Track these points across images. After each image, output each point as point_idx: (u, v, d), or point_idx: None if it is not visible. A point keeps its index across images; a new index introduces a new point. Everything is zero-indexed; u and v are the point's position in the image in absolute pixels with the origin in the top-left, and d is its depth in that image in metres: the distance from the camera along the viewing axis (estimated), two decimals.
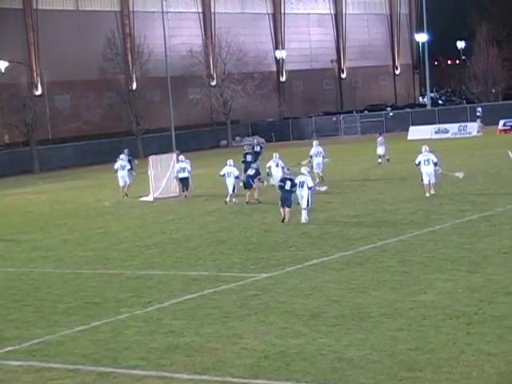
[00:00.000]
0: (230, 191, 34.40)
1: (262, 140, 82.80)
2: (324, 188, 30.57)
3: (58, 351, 14.78)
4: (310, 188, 27.58)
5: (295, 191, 27.45)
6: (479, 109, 74.22)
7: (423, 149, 32.52)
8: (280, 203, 27.76)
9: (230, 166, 34.93)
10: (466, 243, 21.67)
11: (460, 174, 32.74)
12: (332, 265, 20.35)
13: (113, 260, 23.87)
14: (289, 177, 28.13)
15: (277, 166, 35.72)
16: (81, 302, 18.55)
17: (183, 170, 38.03)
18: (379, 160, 46.14)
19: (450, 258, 19.94)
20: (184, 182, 38.19)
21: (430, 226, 24.66)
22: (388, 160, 46.07)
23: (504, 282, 17.07)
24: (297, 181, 27.60)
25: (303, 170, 28.77)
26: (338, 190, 33.68)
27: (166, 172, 39.06)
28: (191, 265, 22.06)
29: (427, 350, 13.10)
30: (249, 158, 39.98)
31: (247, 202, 33.51)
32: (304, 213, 27.54)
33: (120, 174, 41.26)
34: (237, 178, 34.53)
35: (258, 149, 44.34)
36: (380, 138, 47.49)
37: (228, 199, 34.34)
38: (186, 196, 37.87)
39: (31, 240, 29.22)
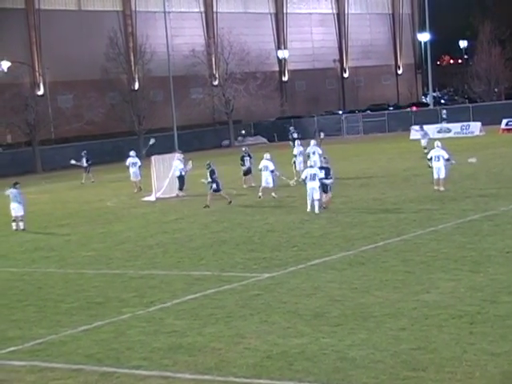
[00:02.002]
0: (264, 184, 34.85)
1: (264, 140, 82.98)
2: (330, 181, 30.86)
3: (60, 351, 14.79)
4: (320, 179, 29.44)
5: (331, 178, 29.77)
6: (444, 111, 75.31)
7: (435, 144, 33.68)
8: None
9: (266, 159, 35.46)
10: (469, 243, 21.65)
11: (473, 159, 33.41)
12: (334, 264, 20.34)
13: (115, 260, 23.88)
14: (325, 166, 30.24)
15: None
16: (83, 302, 18.56)
17: (175, 168, 38.54)
18: (425, 151, 45.63)
19: (452, 258, 19.92)
20: (178, 180, 38.52)
21: (433, 226, 24.64)
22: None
23: (507, 282, 17.05)
24: (308, 174, 29.77)
25: (313, 162, 31.17)
26: (340, 189, 33.65)
27: (168, 172, 39.13)
28: (194, 265, 22.06)
29: (430, 350, 13.09)
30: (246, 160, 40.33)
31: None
32: (309, 202, 29.43)
33: (132, 170, 44.09)
34: (272, 171, 34.95)
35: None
36: (423, 132, 49.68)
37: (261, 193, 34.76)
38: (177, 195, 38.09)
39: (34, 240, 29.24)
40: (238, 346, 14.14)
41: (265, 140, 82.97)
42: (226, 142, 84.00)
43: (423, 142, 48.73)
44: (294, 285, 18.48)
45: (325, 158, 31.65)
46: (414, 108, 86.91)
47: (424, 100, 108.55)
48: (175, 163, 38.80)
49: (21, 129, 70.26)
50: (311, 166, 30.58)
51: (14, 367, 14.09)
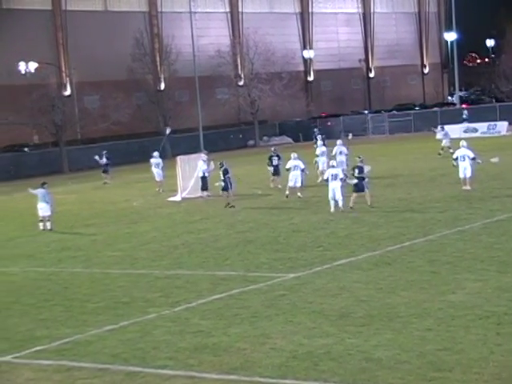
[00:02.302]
0: (292, 184, 34.94)
1: (290, 140, 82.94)
2: (355, 181, 30.92)
3: (86, 351, 14.86)
4: (341, 179, 29.89)
5: (365, 177, 30.18)
6: (465, 111, 75.09)
7: (461, 144, 33.71)
8: (352, 189, 30.18)
9: (294, 159, 35.59)
10: (496, 243, 21.51)
11: (495, 159, 33.28)
12: (360, 265, 20.29)
13: (141, 260, 23.96)
14: (360, 164, 30.38)
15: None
16: (109, 302, 18.63)
17: (201, 169, 38.72)
18: (450, 151, 45.36)
19: (479, 258, 19.80)
20: (202, 181, 38.56)
21: (459, 226, 24.51)
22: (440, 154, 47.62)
23: None
24: (329, 174, 30.28)
25: (335, 163, 31.48)
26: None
27: (193, 172, 39.18)
28: (219, 265, 22.08)
29: (456, 351, 13.02)
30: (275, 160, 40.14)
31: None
32: (333, 203, 29.77)
33: (155, 170, 44.87)
34: (302, 170, 35.21)
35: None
36: (444, 132, 50.27)
37: (288, 192, 34.91)
38: (201, 197, 38.09)
39: (60, 240, 29.41)
40: (263, 346, 14.13)
41: (290, 140, 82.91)
42: (251, 142, 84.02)
43: (444, 142, 48.84)
44: (320, 285, 18.44)
45: (359, 157, 31.72)
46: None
47: (450, 100, 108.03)
48: (199, 164, 38.88)
49: (48, 129, 70.69)
50: (333, 166, 30.74)
51: (42, 366, 14.18)
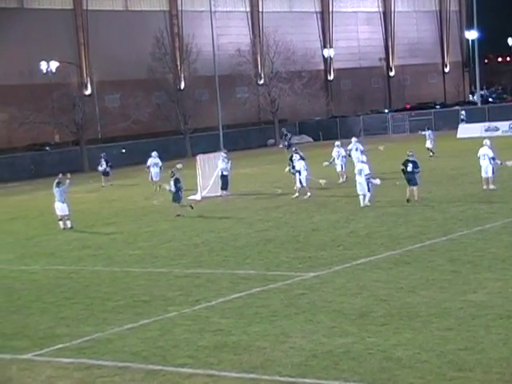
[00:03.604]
0: (298, 184, 35.35)
1: (310, 139, 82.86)
2: (377, 181, 31.28)
3: (107, 349, 14.91)
4: (366, 175, 30.62)
5: (418, 172, 30.70)
6: (463, 112, 75.47)
7: (484, 143, 33.67)
8: (407, 183, 30.66)
9: (298, 160, 35.72)
10: None
11: (510, 163, 33.13)
12: (380, 264, 20.24)
13: (161, 258, 24.01)
14: (411, 159, 30.87)
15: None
16: (130, 300, 18.68)
17: (222, 168, 38.77)
18: (430, 154, 48.59)
19: (500, 257, 19.70)
20: (222, 180, 38.56)
21: (480, 225, 24.39)
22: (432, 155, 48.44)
23: None
24: (356, 169, 31.28)
25: (365, 158, 31.96)
26: (385, 188, 33.47)
27: (213, 171, 39.22)
28: (239, 263, 22.10)
29: (477, 350, 12.96)
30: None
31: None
32: (361, 198, 30.63)
33: (153, 170, 45.37)
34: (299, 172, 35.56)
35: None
36: (429, 132, 50.71)
37: (298, 193, 35.22)
38: (221, 196, 38.09)
39: (81, 238, 29.53)
40: (283, 345, 14.12)
41: (310, 139, 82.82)
42: (271, 141, 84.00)
43: (427, 144, 49.87)
44: (340, 284, 18.42)
45: (410, 151, 31.80)
46: (460, 108, 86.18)
47: (471, 98, 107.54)
48: (219, 162, 38.93)
49: (68, 128, 70.96)
50: (362, 162, 31.48)
51: (62, 364, 14.25)
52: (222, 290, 18.92)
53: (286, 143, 61.40)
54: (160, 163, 45.40)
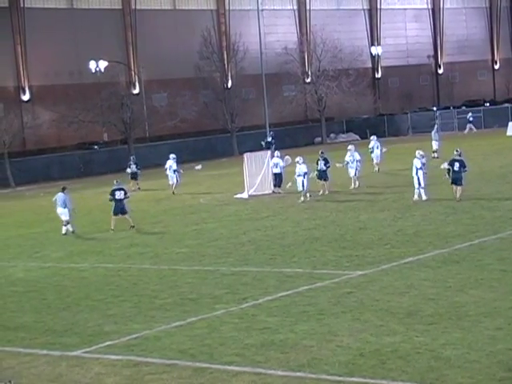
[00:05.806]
0: (300, 188, 35.18)
1: (357, 137, 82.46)
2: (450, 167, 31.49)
3: (155, 346, 15.01)
4: (420, 169, 31.54)
5: (465, 171, 30.75)
6: (470, 114, 75.51)
7: None
8: (450, 183, 30.90)
9: (299, 164, 35.51)
10: None
11: None
12: (428, 263, 20.08)
13: (208, 257, 24.09)
14: (457, 158, 30.89)
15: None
16: (177, 298, 18.78)
17: (275, 165, 38.71)
18: (433, 155, 48.41)
19: None
20: (276, 177, 38.63)
21: None
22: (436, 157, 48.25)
23: None
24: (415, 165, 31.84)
25: (417, 153, 32.15)
26: (433, 187, 33.20)
27: (260, 169, 39.28)
28: (286, 262, 22.09)
29: None
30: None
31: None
32: (417, 192, 31.36)
33: (169, 173, 44.69)
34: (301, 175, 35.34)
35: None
36: (437, 133, 51.44)
37: (303, 198, 35.02)
38: (273, 192, 38.24)
39: (129, 237, 29.75)
40: (330, 344, 14.09)
41: (357, 137, 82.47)
42: (318, 139, 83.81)
43: (433, 144, 50.40)
44: (387, 283, 18.32)
45: (457, 150, 31.72)
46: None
47: None
48: (274, 160, 39.02)
49: (117, 127, 71.56)
50: (422, 156, 32.06)
51: (111, 361, 14.37)
52: (268, 288, 18.93)
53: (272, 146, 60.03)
54: (174, 166, 44.28)
